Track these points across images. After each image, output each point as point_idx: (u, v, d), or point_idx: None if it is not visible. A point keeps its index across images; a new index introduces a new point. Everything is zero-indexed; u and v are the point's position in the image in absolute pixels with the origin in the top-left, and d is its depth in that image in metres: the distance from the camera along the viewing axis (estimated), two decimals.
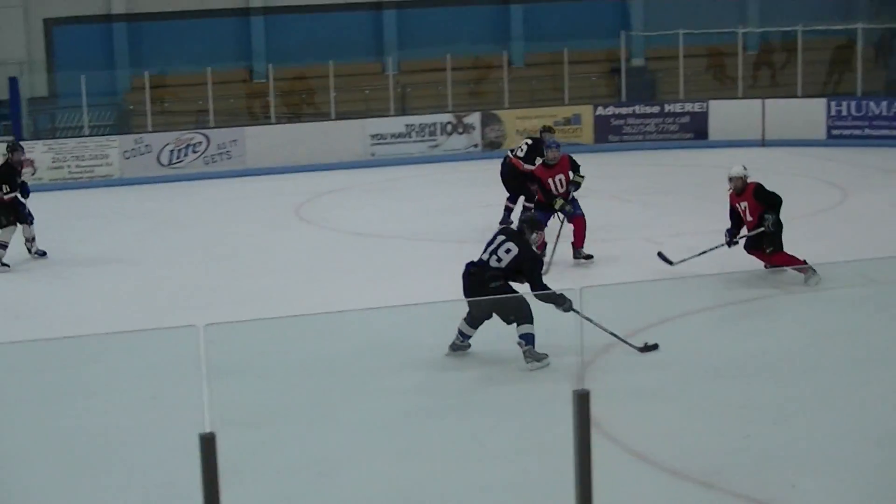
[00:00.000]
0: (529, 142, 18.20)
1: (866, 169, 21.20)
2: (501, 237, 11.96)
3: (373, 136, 26.07)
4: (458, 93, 27.57)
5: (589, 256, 15.87)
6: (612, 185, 21.74)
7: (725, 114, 26.58)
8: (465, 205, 20.37)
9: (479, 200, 20.18)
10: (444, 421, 10.06)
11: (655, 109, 26.84)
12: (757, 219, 14.33)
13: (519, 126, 26.43)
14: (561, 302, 11.05)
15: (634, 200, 20.39)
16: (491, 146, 26.31)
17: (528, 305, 11.47)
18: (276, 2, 29.49)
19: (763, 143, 26.04)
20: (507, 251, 11.78)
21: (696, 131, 26.56)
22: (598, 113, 26.83)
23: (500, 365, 11.60)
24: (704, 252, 14.64)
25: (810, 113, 26.15)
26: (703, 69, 29.60)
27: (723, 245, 14.58)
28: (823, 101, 26.33)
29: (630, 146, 26.33)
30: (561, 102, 27.49)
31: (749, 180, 14.55)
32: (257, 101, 28.20)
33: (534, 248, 12.08)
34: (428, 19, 29.59)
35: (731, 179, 14.54)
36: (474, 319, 11.74)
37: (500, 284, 11.73)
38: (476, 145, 26.45)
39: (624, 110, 26.94)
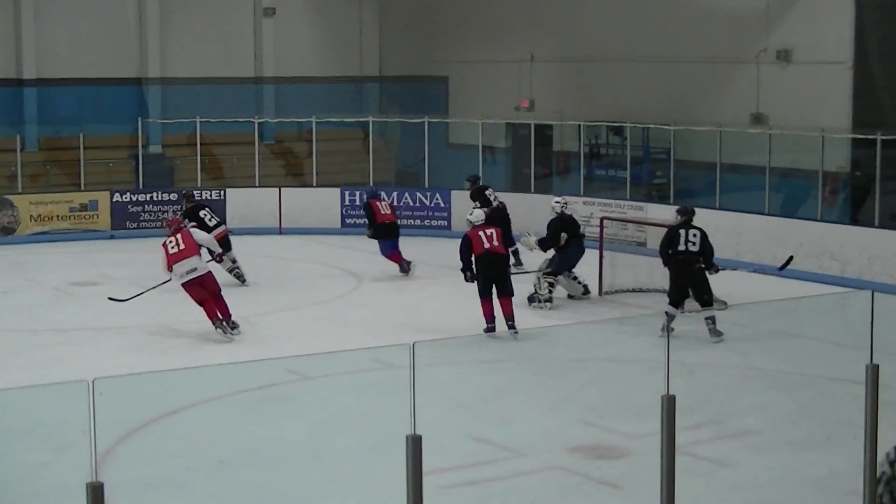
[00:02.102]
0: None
1: (379, 256, 21.94)
2: (682, 230, 16.03)
3: None
4: None
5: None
6: (130, 272, 21.43)
7: (243, 201, 26.87)
8: None
9: None
10: None
11: (173, 196, 26.78)
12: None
13: (34, 211, 25.63)
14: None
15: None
16: (4, 232, 25.34)
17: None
18: None
19: (280, 231, 26.51)
20: (695, 235, 15.99)
21: None
22: (115, 199, 26.43)
23: None
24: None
25: (325, 202, 26.91)
26: (221, 157, 29.82)
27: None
28: (338, 190, 27.15)
29: (148, 232, 26.00)
30: (77, 188, 26.89)
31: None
32: None
33: None
34: None
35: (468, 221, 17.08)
36: (674, 300, 15.96)
37: (701, 267, 15.92)
38: None
39: (141, 197, 26.68)
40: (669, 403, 7.14)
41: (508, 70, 30.72)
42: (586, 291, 18.80)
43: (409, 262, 21.00)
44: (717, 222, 21.52)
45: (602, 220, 20.49)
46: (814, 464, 10.99)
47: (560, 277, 18.53)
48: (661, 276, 18.88)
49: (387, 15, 33.53)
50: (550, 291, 18.44)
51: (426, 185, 27.23)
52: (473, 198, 21.46)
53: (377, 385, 13.04)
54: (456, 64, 32.28)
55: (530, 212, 22.88)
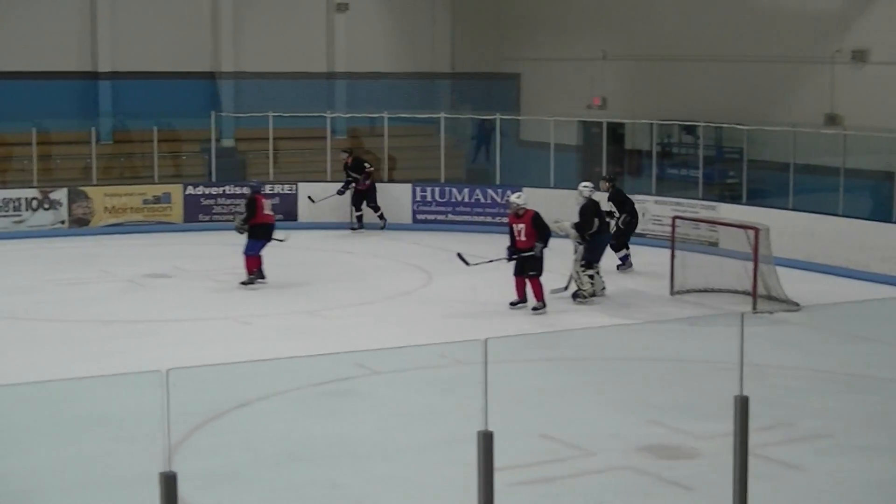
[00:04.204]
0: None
1: (449, 253, 21.93)
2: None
3: None
4: (44, 168, 26.74)
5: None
6: (202, 264, 21.62)
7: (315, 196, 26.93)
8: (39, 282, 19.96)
9: (59, 278, 19.75)
10: None
11: (245, 190, 26.89)
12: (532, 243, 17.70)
13: (108, 203, 25.92)
14: None
15: (226, 280, 20.32)
16: (78, 223, 25.65)
17: None
18: None
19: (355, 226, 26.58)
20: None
21: (285, 213, 26.76)
22: (188, 192, 26.66)
23: None
24: (492, 261, 18.52)
25: (397, 197, 26.95)
26: (293, 151, 29.94)
27: (503, 258, 18.06)
28: (409, 186, 27.19)
29: (220, 226, 26.15)
30: (151, 181, 27.15)
31: (528, 208, 17.82)
32: None
33: None
34: (12, 93, 28.62)
35: (510, 204, 18.20)
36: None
37: None
38: (63, 222, 25.70)
39: (214, 190, 26.89)
40: (742, 404, 7.10)
41: (580, 68, 30.62)
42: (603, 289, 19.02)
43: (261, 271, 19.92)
44: (791, 223, 21.33)
45: (674, 219, 20.37)
46: (884, 469, 10.87)
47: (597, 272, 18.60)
48: (732, 276, 18.76)
49: (459, 11, 33.55)
50: (592, 284, 18.46)
51: (497, 183, 27.19)
52: (351, 169, 25.99)
53: (446, 381, 13.06)
54: (528, 61, 32.23)
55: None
